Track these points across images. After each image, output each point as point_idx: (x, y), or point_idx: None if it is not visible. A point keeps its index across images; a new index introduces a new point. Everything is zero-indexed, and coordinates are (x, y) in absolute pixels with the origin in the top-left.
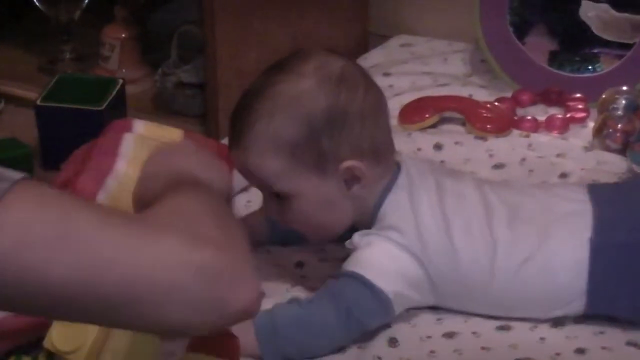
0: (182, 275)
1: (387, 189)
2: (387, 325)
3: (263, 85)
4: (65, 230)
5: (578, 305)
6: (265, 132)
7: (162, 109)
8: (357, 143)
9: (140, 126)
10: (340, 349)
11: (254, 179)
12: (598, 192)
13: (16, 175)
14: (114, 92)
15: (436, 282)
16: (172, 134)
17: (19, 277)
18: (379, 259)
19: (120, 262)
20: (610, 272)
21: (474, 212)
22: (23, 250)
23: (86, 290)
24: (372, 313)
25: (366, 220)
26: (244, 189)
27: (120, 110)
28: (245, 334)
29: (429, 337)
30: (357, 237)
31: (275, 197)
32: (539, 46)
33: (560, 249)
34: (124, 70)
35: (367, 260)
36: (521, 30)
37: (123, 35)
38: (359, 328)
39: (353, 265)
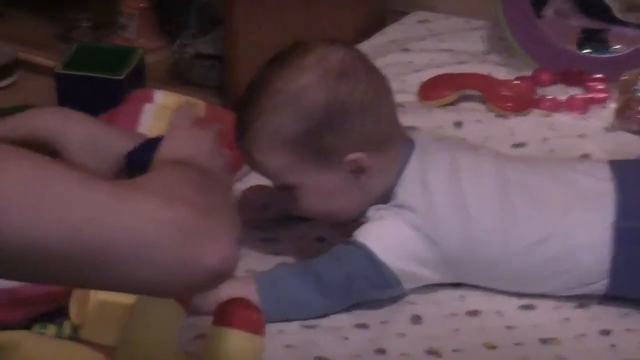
0: (156, 232)
1: (401, 168)
2: (411, 302)
3: (264, 80)
4: (41, 189)
5: (600, 285)
6: (265, 129)
7: (179, 79)
8: (359, 135)
9: (161, 97)
10: (363, 325)
11: (262, 173)
12: (621, 170)
13: None
14: (134, 62)
15: (452, 259)
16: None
17: None
18: (387, 233)
19: (96, 220)
20: (634, 255)
21: (491, 188)
22: None
23: (63, 250)
24: (371, 284)
25: (380, 200)
26: None
27: (139, 79)
28: (246, 289)
29: (453, 314)
30: (371, 210)
31: (287, 189)
32: (557, 25)
33: (581, 230)
34: (141, 40)
35: (375, 232)
36: (538, 7)
37: (142, 5)
38: (357, 296)
39: (361, 235)
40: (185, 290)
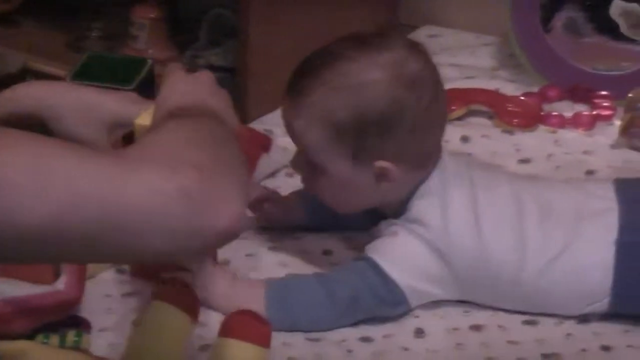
0: (163, 200)
1: (420, 182)
2: (415, 316)
3: (339, 55)
4: (39, 170)
5: (603, 304)
6: (320, 104)
7: None
8: (400, 149)
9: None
10: (367, 338)
11: (294, 137)
12: (625, 189)
13: None
14: (144, 72)
15: (462, 277)
16: None
17: None
18: (399, 250)
19: (99, 195)
20: (634, 271)
21: (505, 207)
22: None
23: (67, 228)
24: (380, 301)
25: (395, 209)
26: (271, 174)
27: (149, 90)
28: (255, 292)
29: (456, 329)
30: (383, 225)
31: (308, 162)
32: (567, 41)
33: (587, 249)
34: (150, 51)
35: (388, 249)
36: (546, 20)
37: (152, 15)
38: (365, 311)
39: (373, 251)
40: (197, 253)
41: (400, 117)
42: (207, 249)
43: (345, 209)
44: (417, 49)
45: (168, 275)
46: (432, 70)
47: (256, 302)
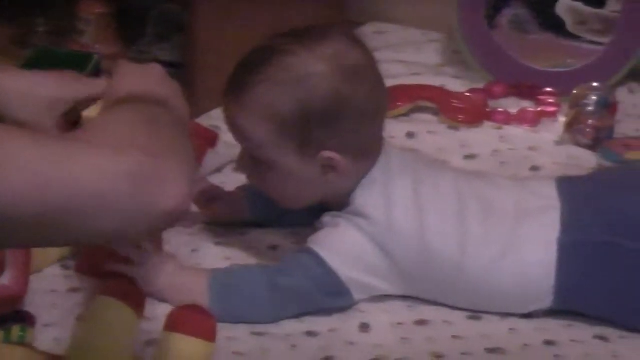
0: (111, 182)
1: (363, 175)
2: (360, 310)
3: (279, 49)
4: None
5: (547, 302)
6: (262, 99)
7: None
8: (345, 138)
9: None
10: (312, 333)
11: (238, 136)
12: (567, 188)
13: None
14: (90, 67)
15: (405, 271)
16: None
17: None
18: (341, 241)
19: (53, 179)
20: (577, 270)
21: (448, 204)
22: None
23: (21, 212)
24: (324, 293)
25: (338, 202)
26: (218, 170)
27: None
28: (199, 281)
29: (401, 324)
30: (326, 217)
31: (253, 160)
32: (512, 38)
33: (529, 248)
34: (97, 46)
35: (329, 240)
36: (492, 17)
37: (98, 11)
38: (307, 304)
39: (314, 242)
40: (146, 233)
41: (343, 107)
42: (153, 229)
43: (293, 204)
44: (355, 40)
45: (111, 266)
46: (370, 60)
47: (200, 293)
